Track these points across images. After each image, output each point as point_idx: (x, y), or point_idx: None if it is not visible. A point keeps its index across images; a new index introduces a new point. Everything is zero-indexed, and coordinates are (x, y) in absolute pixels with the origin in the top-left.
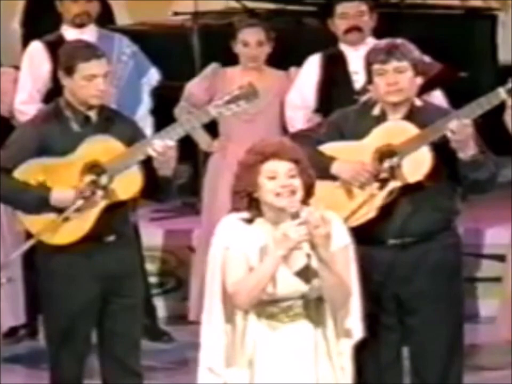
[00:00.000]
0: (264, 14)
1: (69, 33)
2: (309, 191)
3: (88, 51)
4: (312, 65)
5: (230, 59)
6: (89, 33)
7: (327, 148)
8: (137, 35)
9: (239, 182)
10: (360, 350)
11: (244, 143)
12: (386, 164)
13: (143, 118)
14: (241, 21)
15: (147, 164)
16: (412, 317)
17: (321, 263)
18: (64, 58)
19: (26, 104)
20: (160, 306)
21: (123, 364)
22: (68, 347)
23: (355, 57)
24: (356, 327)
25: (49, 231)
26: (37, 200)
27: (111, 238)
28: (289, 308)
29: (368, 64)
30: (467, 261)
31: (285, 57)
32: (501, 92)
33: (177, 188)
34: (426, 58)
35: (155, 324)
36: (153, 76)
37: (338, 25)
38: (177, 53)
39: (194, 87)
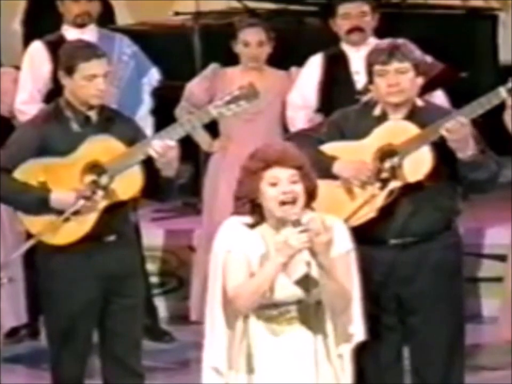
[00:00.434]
0: (265, 14)
1: (70, 33)
2: (311, 195)
3: (89, 51)
4: (314, 65)
5: (231, 59)
6: (90, 33)
7: (328, 148)
8: (138, 35)
9: (242, 187)
10: (361, 350)
11: (244, 143)
12: (387, 164)
13: (144, 118)
14: (241, 21)
15: (148, 164)
16: (412, 317)
17: (321, 270)
18: (65, 58)
19: (27, 104)
20: (161, 306)
21: (124, 364)
22: (69, 347)
23: (357, 58)
24: (358, 331)
25: (50, 231)
26: (37, 202)
27: (112, 238)
28: (287, 311)
29: (369, 64)
30: (468, 261)
31: (285, 57)
32: (501, 92)
33: (178, 188)
34: (428, 58)
35: (156, 324)
36: (153, 76)
37: (340, 25)
38: (178, 53)
39: (194, 87)
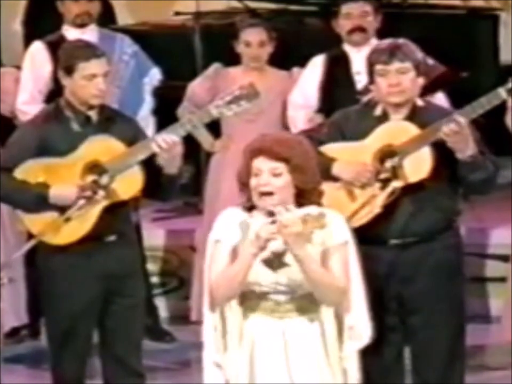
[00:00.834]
0: (266, 14)
1: (70, 33)
2: (305, 189)
3: (88, 50)
4: (316, 66)
5: (232, 59)
6: (91, 33)
7: (329, 148)
8: (138, 35)
9: (239, 172)
10: (362, 350)
11: (245, 143)
12: (388, 164)
13: (145, 117)
14: (243, 21)
15: (150, 163)
16: (413, 317)
17: (297, 261)
18: (64, 58)
19: (28, 105)
20: (162, 306)
21: (124, 364)
22: (69, 347)
23: (358, 58)
24: (364, 328)
25: (50, 231)
26: (36, 198)
27: (112, 238)
28: (278, 303)
29: (370, 64)
30: (471, 261)
31: (286, 57)
32: (502, 92)
33: (179, 188)
34: (430, 61)
35: (157, 324)
36: (155, 76)
37: (342, 25)
38: (179, 53)
39: (196, 87)
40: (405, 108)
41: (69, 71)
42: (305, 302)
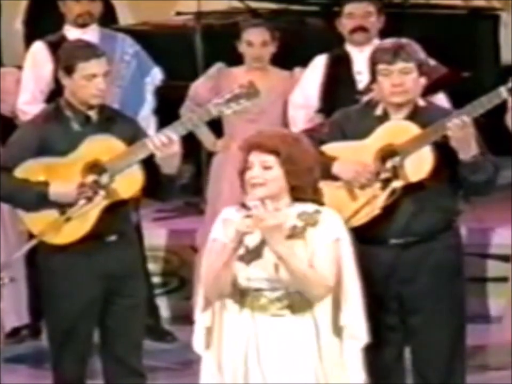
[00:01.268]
0: (267, 14)
1: (72, 33)
2: (298, 186)
3: (88, 50)
4: (317, 66)
5: (233, 59)
6: (92, 33)
7: (329, 148)
8: (139, 35)
9: (238, 169)
10: (363, 350)
11: None
12: (389, 164)
13: (147, 117)
14: (246, 21)
15: (150, 162)
16: (413, 317)
17: (277, 257)
18: (64, 57)
19: (29, 105)
20: (163, 306)
21: (125, 364)
22: (70, 347)
23: (360, 58)
24: (359, 327)
25: (51, 231)
26: (36, 196)
27: (112, 237)
28: (271, 300)
29: (373, 63)
30: (472, 261)
31: (287, 57)
32: (502, 91)
33: (179, 188)
34: (431, 61)
35: (158, 323)
36: (156, 75)
37: (345, 24)
38: (180, 53)
39: (199, 87)
40: (406, 107)
41: (69, 71)
42: (298, 299)
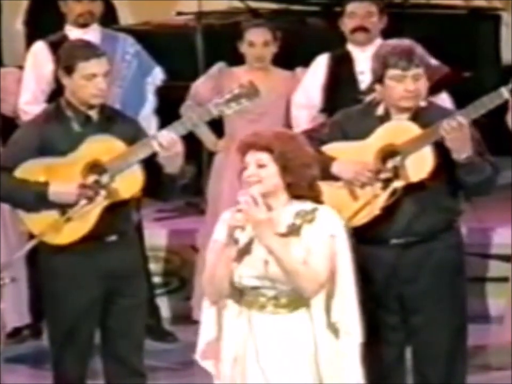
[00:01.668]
0: (268, 14)
1: (73, 33)
2: (293, 184)
3: (88, 50)
4: (319, 65)
5: (234, 59)
6: (93, 33)
7: (330, 148)
8: (140, 35)
9: (238, 167)
10: (363, 350)
11: None
12: (390, 164)
13: (148, 117)
14: (247, 21)
15: (151, 162)
16: (414, 317)
17: (268, 252)
18: (64, 57)
19: (30, 105)
20: (164, 306)
21: (126, 364)
22: (71, 347)
23: (362, 58)
24: (352, 324)
25: (51, 231)
26: (36, 196)
27: (113, 237)
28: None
29: (384, 67)
30: (473, 262)
31: (288, 57)
32: (504, 92)
33: (180, 188)
34: (433, 61)
35: (159, 323)
36: (157, 75)
37: (346, 24)
38: (181, 53)
39: (200, 87)
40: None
41: (69, 70)
42: (296, 297)
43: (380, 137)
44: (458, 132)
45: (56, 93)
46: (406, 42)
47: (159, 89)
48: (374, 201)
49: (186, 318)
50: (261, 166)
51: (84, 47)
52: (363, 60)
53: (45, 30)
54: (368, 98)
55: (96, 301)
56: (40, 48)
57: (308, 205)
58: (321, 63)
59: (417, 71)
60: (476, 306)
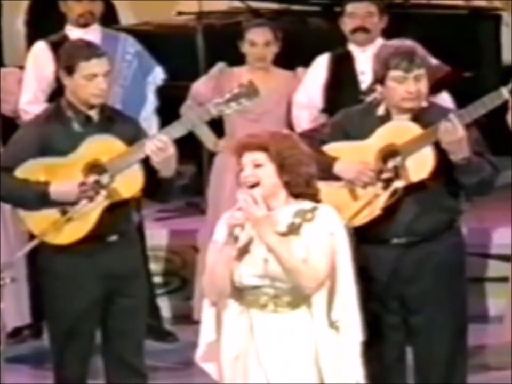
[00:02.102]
0: (269, 14)
1: (73, 33)
2: (291, 182)
3: (89, 50)
4: (320, 65)
5: (234, 59)
6: (94, 33)
7: (331, 148)
8: (141, 35)
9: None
10: (364, 349)
11: None
12: (390, 164)
13: (149, 117)
14: (248, 21)
15: (148, 164)
16: (415, 317)
17: (268, 249)
18: (65, 57)
19: (31, 104)
20: (165, 306)
21: (127, 364)
22: (71, 347)
23: (362, 58)
24: (352, 323)
25: (52, 231)
26: (37, 195)
27: (114, 237)
28: (270, 297)
29: (386, 68)
30: (473, 261)
31: (288, 57)
32: (504, 92)
33: (180, 188)
34: (433, 60)
35: (159, 324)
36: (158, 75)
37: (346, 24)
38: (181, 53)
39: (201, 87)
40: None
41: (70, 70)
42: (297, 295)
43: (381, 137)
44: (453, 135)
45: (56, 93)
46: (407, 43)
47: (160, 89)
48: (375, 201)
49: (187, 318)
50: (257, 165)
51: (84, 47)
52: (364, 60)
53: (45, 30)
54: (369, 98)
55: (96, 301)
56: (41, 48)
57: (307, 204)
58: (322, 63)
59: (419, 72)
60: (476, 306)
